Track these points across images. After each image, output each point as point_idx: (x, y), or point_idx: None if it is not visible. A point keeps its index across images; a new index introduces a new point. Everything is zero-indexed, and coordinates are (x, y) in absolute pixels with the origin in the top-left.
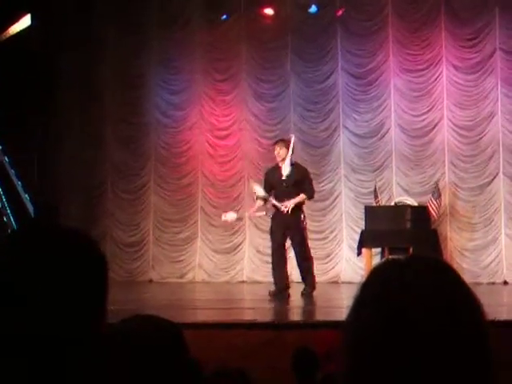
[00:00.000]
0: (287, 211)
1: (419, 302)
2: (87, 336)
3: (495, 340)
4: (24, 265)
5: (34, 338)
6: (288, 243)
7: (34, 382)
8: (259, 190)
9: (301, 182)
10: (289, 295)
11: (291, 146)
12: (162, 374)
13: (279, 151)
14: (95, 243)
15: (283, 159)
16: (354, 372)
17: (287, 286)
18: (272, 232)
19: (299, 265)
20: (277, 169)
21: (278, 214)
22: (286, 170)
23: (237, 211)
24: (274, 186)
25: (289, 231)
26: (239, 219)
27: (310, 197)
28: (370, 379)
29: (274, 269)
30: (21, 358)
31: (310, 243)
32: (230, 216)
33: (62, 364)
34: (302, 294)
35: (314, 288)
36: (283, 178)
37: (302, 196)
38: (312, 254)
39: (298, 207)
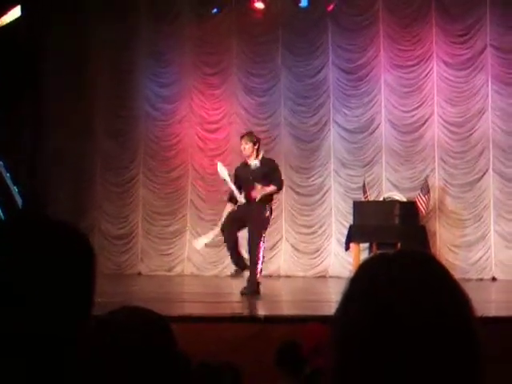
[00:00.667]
0: (254, 199)
1: (406, 297)
2: (73, 329)
3: (483, 335)
4: (11, 256)
5: (22, 333)
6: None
7: (22, 377)
8: (223, 173)
9: (268, 174)
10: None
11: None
12: (149, 367)
13: (245, 146)
14: (84, 235)
15: (249, 155)
16: (341, 367)
17: (245, 266)
18: (227, 220)
19: (250, 258)
20: (245, 164)
21: (240, 207)
22: (253, 164)
23: (207, 236)
24: (243, 181)
25: (247, 223)
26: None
27: (279, 187)
28: (358, 374)
29: (230, 254)
30: (8, 353)
31: (299, 237)
32: (199, 243)
33: (50, 356)
34: (242, 293)
35: (254, 290)
36: (250, 172)
37: (271, 187)
38: (261, 256)
39: (265, 200)
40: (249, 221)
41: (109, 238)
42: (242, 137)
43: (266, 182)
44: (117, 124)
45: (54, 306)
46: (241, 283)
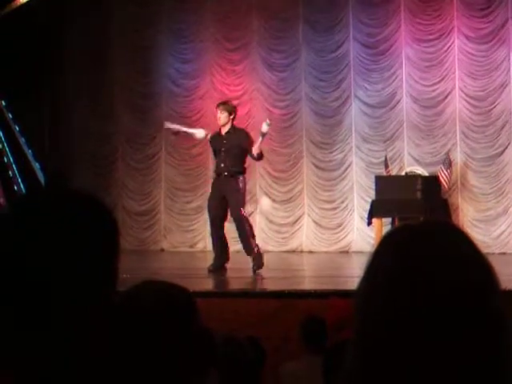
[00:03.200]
0: (227, 174)
1: (430, 266)
2: (98, 302)
3: (507, 308)
4: (34, 230)
5: (46, 307)
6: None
7: (47, 353)
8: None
9: (242, 143)
10: (225, 269)
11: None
12: (173, 341)
13: (220, 116)
14: (107, 207)
15: (224, 124)
16: (365, 339)
17: (226, 261)
18: (208, 202)
19: (239, 235)
20: (218, 134)
21: (215, 180)
22: (225, 134)
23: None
24: (217, 151)
25: (226, 198)
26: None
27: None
28: (381, 346)
29: (212, 243)
30: (33, 326)
31: (322, 213)
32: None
33: (75, 330)
34: (253, 269)
35: (259, 265)
36: (223, 142)
37: (259, 141)
38: (251, 221)
39: (238, 172)
40: (226, 196)
41: (131, 214)
42: (217, 105)
43: (239, 152)
44: (138, 101)
45: (79, 280)
46: (267, 258)
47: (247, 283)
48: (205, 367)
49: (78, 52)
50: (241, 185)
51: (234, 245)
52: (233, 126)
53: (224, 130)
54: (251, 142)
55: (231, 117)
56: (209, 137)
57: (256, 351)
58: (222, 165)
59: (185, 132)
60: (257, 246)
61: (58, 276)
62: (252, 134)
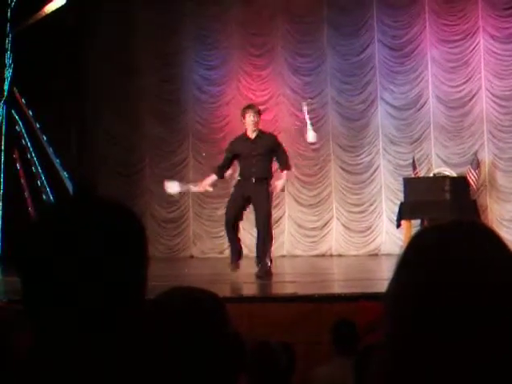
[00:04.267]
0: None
1: (457, 265)
2: (128, 310)
3: None
4: (63, 237)
5: (73, 314)
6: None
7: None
8: (173, 188)
9: (273, 149)
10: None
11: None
12: (204, 348)
13: (254, 120)
14: (135, 214)
15: (256, 128)
16: (394, 340)
17: (239, 258)
18: (228, 203)
19: (257, 244)
20: (245, 138)
21: (240, 183)
22: (255, 138)
23: (180, 183)
24: (243, 156)
25: (252, 203)
26: (183, 192)
27: (289, 168)
28: (410, 347)
29: (230, 243)
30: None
31: (350, 216)
32: (172, 188)
33: (105, 338)
34: (257, 276)
35: (267, 274)
36: (252, 146)
37: (284, 177)
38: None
39: (267, 176)
40: (253, 200)
41: (160, 221)
42: (248, 108)
43: (269, 157)
44: (165, 108)
45: (109, 288)
46: (292, 263)
47: (277, 288)
48: (235, 372)
49: (104, 61)
50: (269, 191)
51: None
52: (261, 130)
53: (253, 135)
54: (280, 145)
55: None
56: (234, 147)
57: (288, 357)
58: (253, 169)
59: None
60: (270, 261)
61: (86, 283)
62: (280, 137)
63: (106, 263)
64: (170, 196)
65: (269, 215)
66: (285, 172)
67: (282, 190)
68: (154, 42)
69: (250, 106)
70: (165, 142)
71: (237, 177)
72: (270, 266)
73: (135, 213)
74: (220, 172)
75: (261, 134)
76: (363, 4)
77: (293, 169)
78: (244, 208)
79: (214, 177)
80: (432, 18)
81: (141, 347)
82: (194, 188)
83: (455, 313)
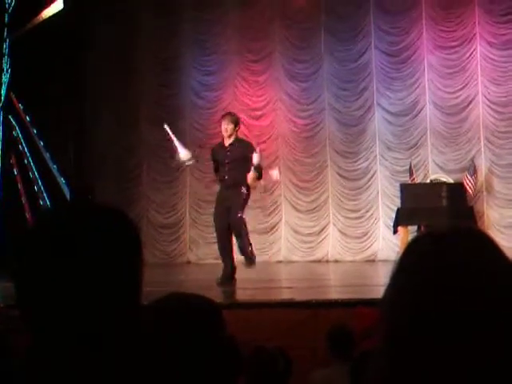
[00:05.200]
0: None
1: (454, 270)
2: (123, 316)
3: None
4: (59, 243)
5: (70, 320)
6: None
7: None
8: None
9: (246, 157)
10: (235, 280)
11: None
12: (200, 353)
13: (226, 127)
14: (131, 220)
15: (230, 135)
16: (390, 345)
17: (234, 272)
18: (214, 212)
19: (238, 245)
20: (222, 146)
21: (221, 192)
22: (229, 145)
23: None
24: (220, 162)
25: (229, 211)
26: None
27: (260, 175)
28: (405, 351)
29: (220, 254)
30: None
31: (347, 222)
32: (186, 156)
33: (100, 345)
34: (245, 265)
35: (251, 260)
36: (226, 154)
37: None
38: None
39: (240, 185)
40: (228, 204)
41: (157, 227)
42: (223, 116)
43: (243, 164)
44: (162, 113)
45: (104, 293)
46: (289, 268)
47: (274, 294)
48: (232, 377)
49: (102, 66)
50: (244, 191)
51: (260, 256)
52: (237, 138)
53: (228, 142)
54: (253, 153)
55: (236, 128)
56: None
57: (285, 363)
58: (226, 177)
59: (173, 143)
60: (251, 249)
61: (82, 289)
62: (277, 143)
63: (101, 268)
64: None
65: (240, 219)
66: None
67: (277, 179)
68: (152, 48)
69: (225, 114)
70: (162, 148)
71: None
72: (251, 251)
73: (131, 218)
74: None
75: (236, 141)
76: (360, 10)
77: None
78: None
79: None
80: (429, 24)
81: (138, 352)
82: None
83: (451, 318)
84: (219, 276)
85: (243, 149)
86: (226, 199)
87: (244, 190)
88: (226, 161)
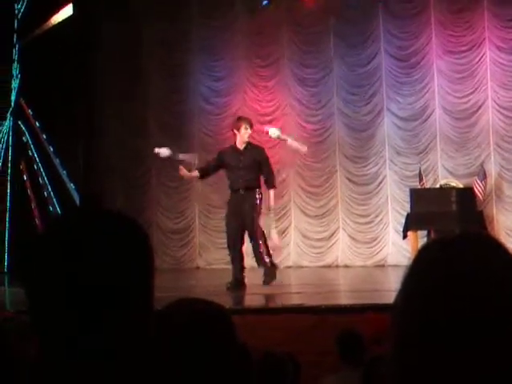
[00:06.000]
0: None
1: (465, 276)
2: (134, 322)
3: None
4: (69, 249)
5: (84, 328)
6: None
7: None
8: (276, 133)
9: (259, 163)
10: (244, 285)
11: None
12: (210, 359)
13: (248, 132)
14: (141, 227)
15: (246, 140)
16: (401, 351)
17: (243, 279)
18: (226, 219)
19: (253, 250)
20: (234, 149)
21: (232, 198)
22: (243, 149)
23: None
24: (231, 166)
25: (243, 216)
26: (172, 157)
27: (274, 186)
28: (416, 360)
29: (231, 259)
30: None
31: (356, 227)
32: (164, 152)
33: (112, 350)
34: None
35: (271, 273)
36: (239, 158)
37: (271, 196)
38: (262, 242)
39: (254, 188)
40: (242, 209)
41: (166, 233)
42: (242, 121)
43: (256, 167)
44: (171, 119)
45: (114, 300)
46: (298, 274)
47: (284, 299)
48: (244, 383)
49: (111, 71)
50: (258, 197)
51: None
52: (250, 142)
53: (242, 146)
54: (267, 160)
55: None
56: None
57: (294, 368)
58: (241, 180)
59: (176, 158)
60: (271, 259)
61: (92, 295)
62: (286, 148)
63: (112, 275)
64: (161, 159)
65: (255, 222)
66: (272, 191)
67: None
68: (161, 54)
69: (244, 119)
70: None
71: (228, 189)
72: (270, 261)
73: (140, 225)
74: (203, 173)
75: (250, 145)
76: (369, 15)
77: (275, 188)
78: (242, 220)
79: (196, 173)
80: (438, 28)
81: (149, 358)
82: (181, 156)
83: (461, 325)
84: (229, 281)
85: (257, 154)
86: (239, 204)
87: (258, 194)
88: (240, 165)
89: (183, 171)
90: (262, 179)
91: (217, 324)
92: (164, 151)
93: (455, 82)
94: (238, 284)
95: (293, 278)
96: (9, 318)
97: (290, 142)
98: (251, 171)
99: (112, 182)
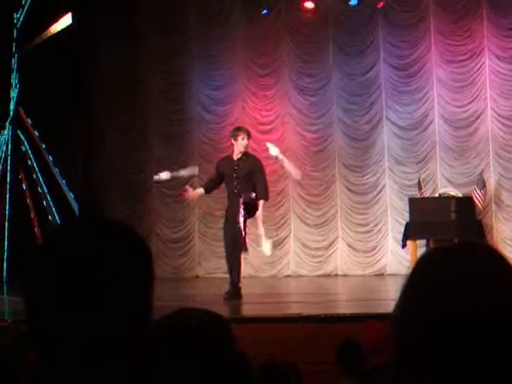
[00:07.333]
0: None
1: (465, 285)
2: (133, 331)
3: None
4: (68, 259)
5: (79, 335)
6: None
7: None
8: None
9: (252, 173)
10: (241, 294)
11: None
12: (210, 368)
13: (247, 142)
14: (140, 236)
15: (244, 150)
16: (400, 363)
17: (240, 289)
18: (224, 228)
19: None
20: (230, 159)
21: (229, 207)
22: (238, 160)
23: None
24: (227, 176)
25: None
26: (173, 176)
27: (266, 198)
28: (416, 370)
29: (228, 268)
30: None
31: (356, 236)
32: (163, 175)
33: (110, 359)
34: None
35: (235, 293)
36: (234, 168)
37: (260, 207)
38: (242, 258)
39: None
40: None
41: (166, 242)
42: (240, 130)
43: (248, 181)
44: (170, 128)
45: (113, 309)
46: (297, 283)
47: (283, 308)
48: None
49: (110, 80)
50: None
51: (269, 270)
52: (246, 152)
53: (237, 156)
54: (261, 170)
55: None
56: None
57: (296, 377)
58: (236, 190)
59: (177, 176)
60: (238, 276)
61: (91, 306)
62: (286, 157)
63: (111, 284)
64: (159, 183)
65: (241, 233)
66: (261, 202)
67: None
68: (160, 63)
69: (242, 129)
70: (170, 162)
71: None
72: (237, 284)
73: (140, 234)
74: (208, 187)
75: (245, 155)
76: (369, 24)
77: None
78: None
79: (201, 190)
80: (437, 38)
81: (147, 368)
82: (182, 172)
83: (458, 333)
84: (227, 290)
85: (251, 165)
86: (235, 213)
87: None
88: (234, 175)
89: (190, 193)
90: (256, 189)
91: (216, 333)
92: (164, 175)
93: (454, 91)
94: (235, 293)
95: (292, 287)
96: (7, 328)
97: (286, 165)
98: (246, 181)
99: (111, 191)
